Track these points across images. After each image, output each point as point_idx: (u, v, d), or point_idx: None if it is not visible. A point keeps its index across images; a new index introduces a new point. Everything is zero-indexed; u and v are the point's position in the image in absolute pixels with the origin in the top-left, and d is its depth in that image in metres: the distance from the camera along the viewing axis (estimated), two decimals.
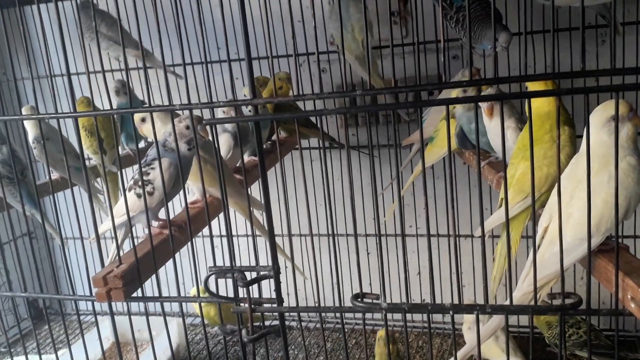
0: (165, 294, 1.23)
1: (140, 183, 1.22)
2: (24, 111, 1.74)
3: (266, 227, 1.12)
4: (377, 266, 1.11)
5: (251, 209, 1.30)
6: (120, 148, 2.17)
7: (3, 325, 1.58)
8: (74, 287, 1.34)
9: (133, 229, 1.30)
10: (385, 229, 2.33)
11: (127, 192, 1.25)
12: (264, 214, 1.11)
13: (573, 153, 1.22)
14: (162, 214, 1.33)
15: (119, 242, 1.23)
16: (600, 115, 1.04)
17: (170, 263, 1.25)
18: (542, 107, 1.23)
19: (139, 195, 1.27)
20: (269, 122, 1.82)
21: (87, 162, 2.00)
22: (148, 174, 1.29)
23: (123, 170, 2.20)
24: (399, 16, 2.20)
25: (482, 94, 1.47)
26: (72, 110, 1.16)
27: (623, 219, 1.05)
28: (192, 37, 1.69)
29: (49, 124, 1.85)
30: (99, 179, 2.17)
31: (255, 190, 1.74)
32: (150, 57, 2.00)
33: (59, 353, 2.12)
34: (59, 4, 1.16)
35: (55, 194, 1.55)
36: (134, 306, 2.27)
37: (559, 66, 1.89)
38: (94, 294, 1.17)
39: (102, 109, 1.31)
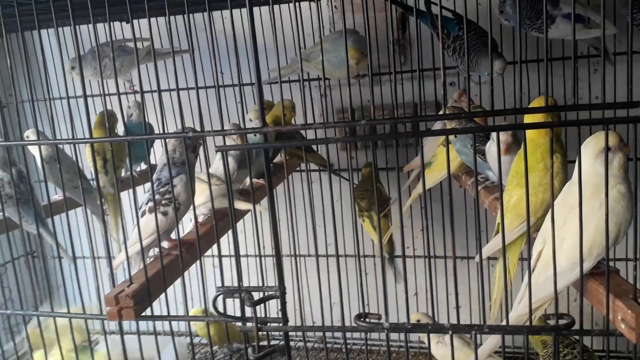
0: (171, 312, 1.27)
1: (163, 202, 1.27)
2: (31, 135, 1.78)
3: (273, 249, 1.16)
4: (374, 286, 1.15)
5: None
6: (124, 170, 2.22)
7: (14, 340, 1.61)
8: (83, 305, 1.37)
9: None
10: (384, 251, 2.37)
11: (148, 213, 1.29)
12: (272, 235, 1.15)
13: (566, 179, 1.27)
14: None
15: (142, 260, 1.26)
16: (593, 147, 1.08)
17: (177, 282, 1.28)
18: (534, 135, 1.28)
19: (164, 214, 1.31)
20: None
21: (92, 183, 2.07)
22: (170, 192, 1.33)
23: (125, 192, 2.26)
24: (397, 44, 2.26)
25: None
26: (88, 135, 1.21)
27: (614, 244, 1.09)
28: (206, 63, 1.75)
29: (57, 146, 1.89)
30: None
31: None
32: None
33: None
34: (70, 28, 1.20)
35: (62, 214, 1.59)
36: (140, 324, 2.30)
37: (553, 94, 1.95)
38: (105, 313, 1.21)
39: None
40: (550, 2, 1.64)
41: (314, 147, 2.27)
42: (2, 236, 1.71)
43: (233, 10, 1.13)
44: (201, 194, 1.52)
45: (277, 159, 2.19)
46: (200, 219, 1.55)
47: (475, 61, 1.76)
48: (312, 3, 2.16)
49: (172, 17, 2.22)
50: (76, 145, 1.26)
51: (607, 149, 1.02)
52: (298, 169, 2.45)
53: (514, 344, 2.41)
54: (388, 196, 2.19)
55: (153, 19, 2.16)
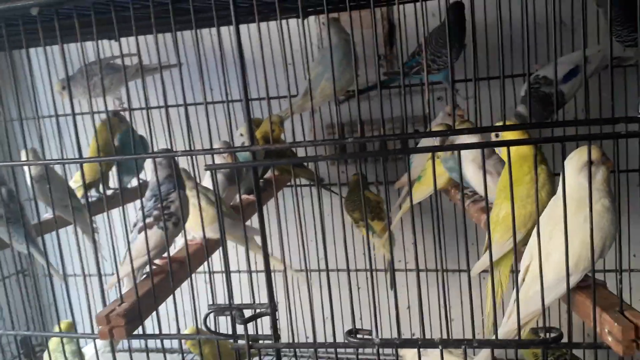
0: (164, 330, 1.27)
1: (162, 218, 1.28)
2: (27, 154, 1.78)
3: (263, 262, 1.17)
4: (366, 301, 1.15)
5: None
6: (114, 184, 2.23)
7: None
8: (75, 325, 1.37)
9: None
10: (375, 264, 2.38)
11: (148, 229, 1.30)
12: (262, 251, 1.16)
13: (552, 190, 1.28)
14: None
15: (134, 277, 1.27)
16: (576, 161, 1.10)
17: (169, 300, 1.29)
18: (519, 150, 1.30)
19: (162, 228, 1.32)
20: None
21: (81, 201, 2.07)
22: (169, 207, 1.34)
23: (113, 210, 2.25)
24: (385, 59, 2.29)
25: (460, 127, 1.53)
26: (77, 155, 1.21)
27: (600, 257, 1.10)
28: (195, 80, 1.77)
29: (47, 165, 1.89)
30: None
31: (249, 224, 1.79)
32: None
33: None
34: (47, 49, 1.21)
35: (52, 232, 1.58)
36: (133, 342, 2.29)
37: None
38: (96, 332, 1.21)
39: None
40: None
41: (306, 163, 2.29)
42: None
43: (220, 27, 1.14)
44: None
45: (268, 174, 2.20)
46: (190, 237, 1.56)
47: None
48: (299, 20, 2.18)
49: (160, 35, 2.24)
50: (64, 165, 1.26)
51: (590, 163, 1.03)
52: (289, 184, 2.46)
53: (506, 355, 2.41)
54: (379, 198, 2.22)
55: (141, 37, 2.18)
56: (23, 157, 1.74)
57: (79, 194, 2.07)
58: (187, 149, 1.14)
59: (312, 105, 1.06)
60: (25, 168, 1.89)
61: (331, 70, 1.13)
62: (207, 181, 1.66)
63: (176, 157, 1.17)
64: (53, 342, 1.79)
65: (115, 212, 2.34)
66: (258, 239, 1.22)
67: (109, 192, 2.16)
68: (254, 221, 1.83)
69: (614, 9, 1.64)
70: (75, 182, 2.20)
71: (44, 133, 1.31)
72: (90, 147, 2.17)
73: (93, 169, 2.15)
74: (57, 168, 1.93)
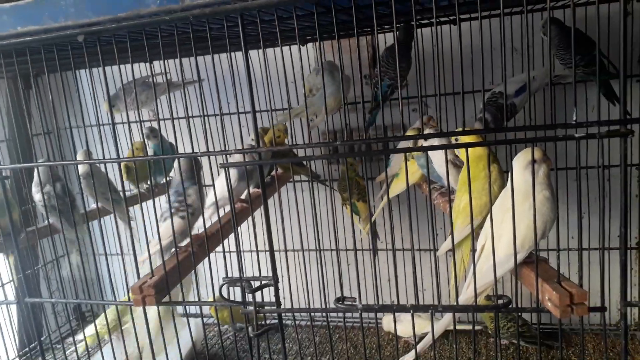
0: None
1: (182, 209, 1.28)
2: (79, 155, 1.78)
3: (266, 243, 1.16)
4: (353, 275, 1.15)
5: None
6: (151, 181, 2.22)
7: (57, 323, 1.60)
8: (116, 295, 1.37)
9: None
10: (361, 244, 2.38)
11: (170, 218, 1.30)
12: (265, 233, 1.15)
13: (503, 184, 1.28)
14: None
15: (162, 256, 1.26)
16: (522, 160, 1.09)
17: (192, 274, 1.28)
18: (475, 151, 1.30)
19: (182, 218, 1.32)
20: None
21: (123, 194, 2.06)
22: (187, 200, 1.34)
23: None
24: (369, 77, 2.28)
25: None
26: (117, 156, 1.21)
27: (542, 238, 1.10)
28: (208, 95, 1.77)
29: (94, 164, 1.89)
30: (130, 208, 2.20)
31: (257, 215, 1.79)
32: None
33: (103, 347, 2.12)
34: (106, 68, 1.21)
35: (104, 218, 1.58)
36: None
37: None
38: (131, 300, 1.21)
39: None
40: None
41: (305, 162, 2.28)
42: (56, 236, 1.71)
43: (233, 52, 1.14)
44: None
45: (274, 172, 2.20)
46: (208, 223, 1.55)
47: None
48: (301, 46, 2.17)
49: (185, 59, 2.23)
50: (106, 164, 1.26)
51: (534, 161, 1.03)
52: (291, 180, 2.45)
53: (468, 318, 2.41)
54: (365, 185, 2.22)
55: (171, 60, 2.17)
56: (79, 158, 1.74)
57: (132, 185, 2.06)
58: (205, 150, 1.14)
59: (326, 115, 1.07)
60: (77, 167, 1.88)
61: (332, 90, 1.12)
62: (220, 179, 1.64)
63: (197, 157, 1.16)
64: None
65: (150, 204, 2.35)
66: None
67: (144, 188, 2.15)
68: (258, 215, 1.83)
69: (558, 36, 1.65)
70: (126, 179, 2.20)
71: (92, 139, 1.30)
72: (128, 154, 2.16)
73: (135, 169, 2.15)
74: (102, 168, 1.93)
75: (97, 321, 1.71)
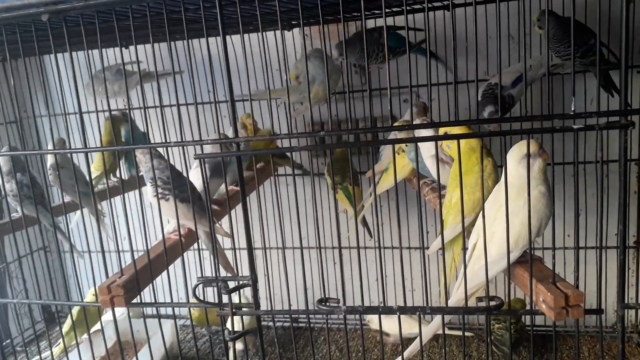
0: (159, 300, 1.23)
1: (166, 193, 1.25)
2: (50, 145, 1.73)
3: (245, 242, 1.14)
4: (343, 274, 1.13)
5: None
6: (125, 174, 2.17)
7: (21, 327, 1.55)
8: (83, 294, 1.33)
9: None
10: (349, 242, 2.35)
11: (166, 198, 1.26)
12: (244, 229, 1.12)
13: (497, 179, 1.26)
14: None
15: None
16: (517, 153, 1.07)
17: (164, 274, 1.25)
18: (467, 144, 1.28)
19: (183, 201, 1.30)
20: (249, 156, 1.86)
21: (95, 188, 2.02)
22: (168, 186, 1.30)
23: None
24: (359, 67, 2.25)
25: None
26: (83, 146, 1.17)
27: (537, 236, 1.09)
28: (186, 82, 1.73)
29: (64, 155, 1.84)
30: (103, 203, 2.15)
31: (235, 212, 1.76)
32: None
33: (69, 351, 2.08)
34: (73, 53, 1.17)
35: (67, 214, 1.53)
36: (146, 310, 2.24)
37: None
38: (99, 301, 1.17)
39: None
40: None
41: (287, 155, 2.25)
42: (18, 233, 1.66)
43: (209, 38, 1.10)
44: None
45: (259, 165, 2.17)
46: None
47: None
48: (285, 32, 2.14)
49: (157, 45, 2.18)
50: (74, 154, 1.22)
51: (529, 155, 1.01)
52: (275, 173, 2.42)
53: (459, 322, 2.41)
54: (358, 171, 2.24)
55: (148, 46, 2.12)
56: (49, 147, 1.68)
57: (99, 179, 2.02)
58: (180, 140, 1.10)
59: (310, 104, 1.03)
60: (45, 158, 1.83)
61: (322, 78, 1.10)
62: (194, 172, 1.60)
63: (169, 148, 1.12)
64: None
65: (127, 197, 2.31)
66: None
67: (113, 182, 2.10)
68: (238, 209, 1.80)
69: (554, 28, 1.64)
70: (94, 169, 2.15)
71: (66, 127, 1.26)
72: (102, 142, 2.12)
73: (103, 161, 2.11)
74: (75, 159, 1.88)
75: (65, 324, 1.67)
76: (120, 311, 2.09)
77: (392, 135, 1.68)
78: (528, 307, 1.36)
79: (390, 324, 2.13)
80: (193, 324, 1.27)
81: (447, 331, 2.08)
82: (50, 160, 1.86)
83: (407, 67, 1.87)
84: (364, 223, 2.16)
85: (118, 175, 2.13)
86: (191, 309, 1.22)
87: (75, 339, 1.29)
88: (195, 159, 1.08)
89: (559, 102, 1.99)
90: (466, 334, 2.25)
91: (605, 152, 1.93)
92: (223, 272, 1.32)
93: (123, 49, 2.16)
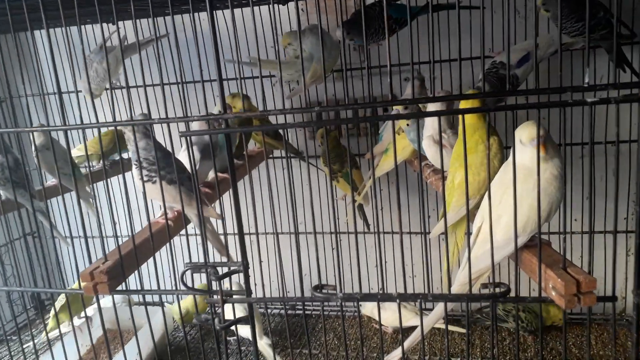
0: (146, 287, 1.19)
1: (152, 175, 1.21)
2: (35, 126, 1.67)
3: (236, 226, 1.09)
4: (341, 261, 1.08)
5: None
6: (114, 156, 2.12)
7: (13, 313, 1.51)
8: (66, 281, 1.28)
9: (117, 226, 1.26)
10: (347, 227, 2.31)
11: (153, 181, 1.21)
12: (234, 214, 1.07)
13: (504, 158, 1.21)
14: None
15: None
16: (528, 133, 1.01)
17: (152, 260, 1.21)
18: (469, 120, 1.22)
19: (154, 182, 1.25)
20: (237, 137, 1.80)
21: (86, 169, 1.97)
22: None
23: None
24: (358, 45, 2.18)
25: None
26: (62, 124, 1.12)
27: (546, 221, 1.04)
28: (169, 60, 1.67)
29: (50, 136, 1.78)
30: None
31: (226, 196, 1.70)
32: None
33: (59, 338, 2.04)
34: (55, 30, 1.10)
35: (51, 199, 1.48)
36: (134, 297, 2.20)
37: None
38: (82, 288, 1.13)
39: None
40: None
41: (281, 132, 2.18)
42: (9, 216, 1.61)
43: (197, 13, 1.04)
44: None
45: (251, 148, 2.11)
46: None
47: None
48: (281, 6, 2.06)
49: (143, 20, 2.11)
50: (68, 133, 1.17)
51: (539, 134, 0.95)
52: (271, 156, 2.37)
53: (461, 310, 2.37)
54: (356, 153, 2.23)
55: (128, 22, 2.04)
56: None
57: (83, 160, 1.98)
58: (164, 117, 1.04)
59: (306, 85, 0.98)
60: (32, 137, 1.77)
61: (320, 55, 1.03)
62: (181, 155, 1.54)
63: (153, 125, 1.07)
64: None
65: (114, 181, 2.25)
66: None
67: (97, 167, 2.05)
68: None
69: (561, 5, 1.58)
70: (78, 149, 2.11)
71: (45, 107, 1.20)
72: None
73: (93, 145, 2.07)
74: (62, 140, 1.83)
75: (52, 311, 1.63)
76: (118, 299, 2.05)
77: (395, 112, 1.62)
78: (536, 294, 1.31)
79: (384, 315, 2.09)
80: (181, 312, 1.22)
81: (449, 327, 2.04)
82: (37, 140, 1.80)
83: (408, 44, 1.81)
84: (362, 213, 2.11)
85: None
86: (181, 305, 1.17)
87: (58, 327, 1.24)
88: (180, 136, 1.03)
89: (567, 81, 1.92)
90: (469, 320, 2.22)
91: (615, 132, 1.87)
92: (217, 257, 1.27)
93: (106, 24, 2.10)
